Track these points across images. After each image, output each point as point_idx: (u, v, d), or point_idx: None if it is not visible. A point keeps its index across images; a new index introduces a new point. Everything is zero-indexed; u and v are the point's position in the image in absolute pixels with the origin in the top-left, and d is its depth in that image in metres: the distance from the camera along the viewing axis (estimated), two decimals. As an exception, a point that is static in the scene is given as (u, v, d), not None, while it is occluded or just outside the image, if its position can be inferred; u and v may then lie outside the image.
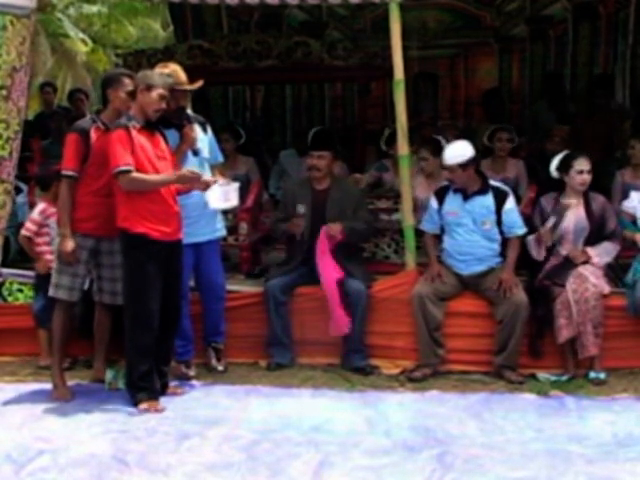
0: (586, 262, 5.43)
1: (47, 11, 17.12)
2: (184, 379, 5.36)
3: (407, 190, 5.70)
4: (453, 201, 5.64)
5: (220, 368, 5.56)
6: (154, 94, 4.80)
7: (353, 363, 5.57)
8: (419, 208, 5.92)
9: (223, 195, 5.19)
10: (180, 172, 4.89)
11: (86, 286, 5.25)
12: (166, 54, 7.44)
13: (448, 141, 6.25)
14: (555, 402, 4.97)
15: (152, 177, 4.78)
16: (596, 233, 5.50)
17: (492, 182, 5.70)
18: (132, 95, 4.90)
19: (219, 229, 5.55)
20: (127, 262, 4.86)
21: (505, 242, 5.61)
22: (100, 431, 4.49)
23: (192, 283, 5.51)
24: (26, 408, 4.89)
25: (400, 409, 4.85)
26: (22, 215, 6.59)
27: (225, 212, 5.78)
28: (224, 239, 5.83)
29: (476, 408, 4.85)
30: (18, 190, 6.62)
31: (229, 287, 5.73)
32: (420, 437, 4.38)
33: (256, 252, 6.60)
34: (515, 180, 6.77)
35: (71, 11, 19.31)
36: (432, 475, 3.91)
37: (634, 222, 5.61)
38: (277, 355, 5.66)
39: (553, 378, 5.33)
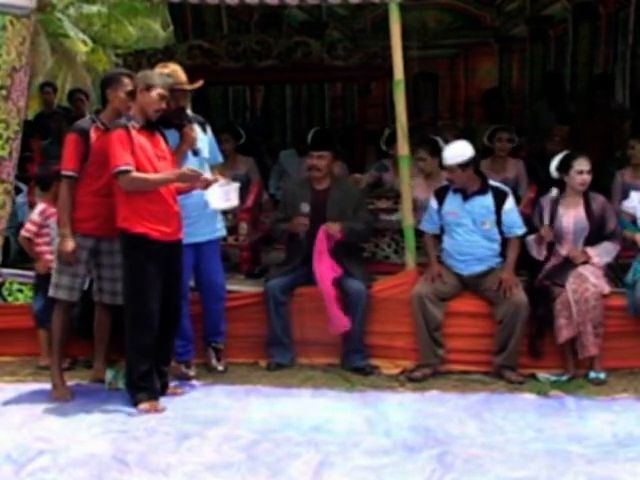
0: (586, 262, 5.43)
1: (47, 11, 17.12)
2: (184, 379, 5.36)
3: (407, 190, 5.70)
4: (453, 201, 5.64)
5: (220, 368, 5.56)
6: (154, 94, 4.80)
7: (353, 363, 5.57)
8: (418, 208, 5.92)
9: (223, 195, 5.19)
10: (180, 170, 4.89)
11: (86, 286, 5.25)
12: (166, 54, 7.44)
13: (448, 141, 6.25)
14: (555, 402, 4.97)
15: (152, 176, 4.78)
16: (596, 233, 5.50)
17: (492, 182, 5.70)
18: (131, 95, 4.90)
19: (219, 229, 5.55)
20: (127, 262, 4.86)
21: (505, 242, 5.61)
22: (100, 431, 4.49)
23: (192, 283, 5.51)
24: (26, 408, 4.89)
25: (400, 409, 4.85)
26: (22, 215, 6.59)
27: (225, 212, 5.78)
28: (224, 239, 5.83)
29: (476, 408, 4.85)
30: (18, 190, 6.62)
31: (229, 287, 5.73)
32: (420, 437, 4.38)
33: (256, 252, 6.60)
34: (515, 180, 6.77)
35: (71, 11, 19.32)
36: (432, 475, 3.91)
37: (634, 222, 5.62)
38: (277, 355, 5.66)
39: (553, 378, 5.33)
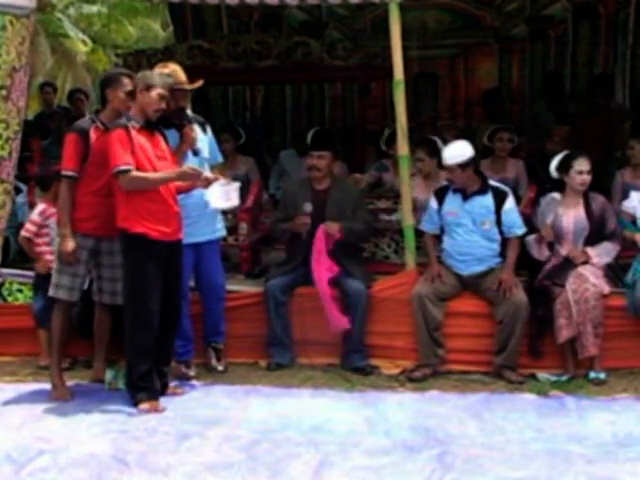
0: (586, 262, 5.43)
1: (47, 11, 17.12)
2: (184, 379, 5.36)
3: (407, 190, 5.70)
4: (453, 201, 5.64)
5: (220, 368, 5.56)
6: (154, 94, 4.80)
7: (353, 363, 5.57)
8: (418, 209, 5.91)
9: (224, 195, 5.19)
10: (181, 169, 4.89)
11: (86, 286, 5.25)
12: (166, 54, 7.44)
13: (446, 141, 6.25)
14: (555, 402, 4.97)
15: (153, 175, 4.78)
16: (596, 233, 5.50)
17: (491, 182, 5.70)
18: (131, 95, 4.90)
19: (219, 229, 5.55)
20: (127, 262, 4.86)
21: (505, 242, 5.61)
22: (100, 431, 4.49)
23: (192, 283, 5.51)
24: (26, 408, 4.89)
25: (400, 409, 4.85)
26: (22, 215, 6.59)
27: (225, 212, 5.78)
28: (224, 239, 5.83)
29: (476, 408, 4.85)
30: (18, 190, 6.62)
31: (229, 287, 5.73)
32: (420, 437, 4.38)
33: (256, 252, 6.60)
34: (515, 180, 6.77)
35: (71, 11, 19.31)
36: (432, 475, 3.91)
37: (634, 222, 5.62)
38: (277, 355, 5.66)
39: (553, 378, 5.33)
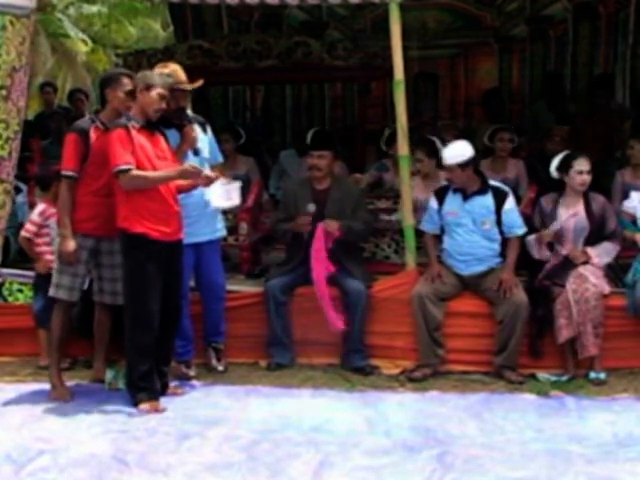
0: (586, 262, 5.43)
1: (47, 11, 17.12)
2: (184, 379, 5.35)
3: (407, 190, 5.70)
4: (453, 201, 5.64)
5: (220, 368, 5.56)
6: (154, 94, 4.80)
7: (353, 363, 5.57)
8: (417, 209, 5.91)
9: (225, 194, 5.20)
10: (182, 167, 4.89)
11: (86, 286, 5.25)
12: (166, 54, 7.44)
13: (445, 141, 6.25)
14: (555, 402, 4.97)
15: (153, 174, 4.78)
16: (596, 233, 5.50)
17: (492, 182, 5.70)
18: (131, 94, 4.90)
19: (219, 229, 5.55)
20: (127, 262, 4.86)
21: (505, 242, 5.61)
22: (100, 431, 4.49)
23: (192, 283, 5.50)
24: (26, 408, 4.89)
25: (400, 409, 4.85)
26: (22, 215, 6.59)
27: (225, 212, 5.79)
28: (224, 239, 5.83)
29: (476, 408, 4.85)
30: (18, 190, 6.62)
31: (229, 287, 5.73)
32: (420, 437, 4.38)
33: (256, 252, 6.60)
34: (515, 180, 6.76)
35: (71, 11, 19.31)
36: (432, 475, 3.91)
37: (634, 222, 5.62)
38: (277, 355, 5.66)
39: (553, 378, 5.33)
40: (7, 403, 4.99)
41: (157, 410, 4.77)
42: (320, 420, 4.62)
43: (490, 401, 4.98)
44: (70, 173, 4.99)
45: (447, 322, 5.52)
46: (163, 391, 5.00)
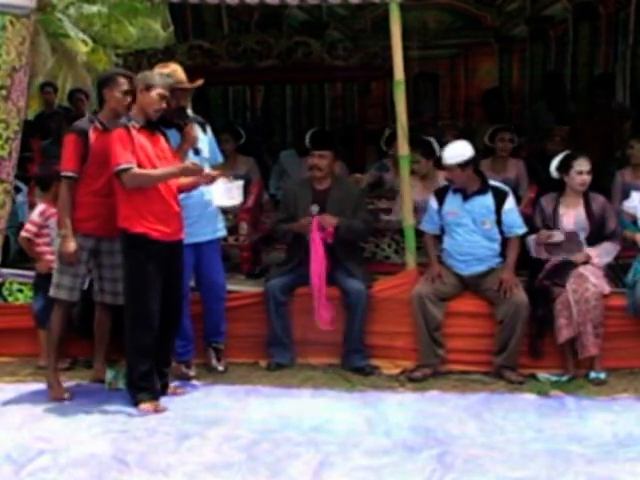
0: (586, 262, 5.42)
1: (47, 11, 17.12)
2: (184, 379, 5.35)
3: (407, 190, 5.70)
4: (453, 201, 5.64)
5: (220, 368, 5.56)
6: (154, 94, 4.81)
7: (353, 363, 5.57)
8: (416, 210, 5.90)
9: (227, 192, 5.22)
10: (183, 164, 4.89)
11: (86, 286, 5.25)
12: (166, 54, 7.45)
13: (445, 142, 6.25)
14: (555, 402, 4.96)
15: (155, 171, 4.78)
16: (596, 233, 5.50)
17: (492, 182, 5.70)
18: (128, 94, 4.91)
19: (220, 229, 5.55)
20: (127, 262, 4.86)
21: (505, 242, 5.61)
22: (100, 431, 4.49)
23: (192, 283, 5.50)
24: (26, 408, 4.89)
25: (400, 409, 4.85)
26: (22, 215, 6.59)
27: (225, 212, 5.79)
28: (224, 239, 5.83)
29: (476, 408, 4.85)
30: (18, 190, 6.62)
31: (229, 287, 5.73)
32: (420, 437, 4.38)
33: (256, 252, 6.60)
34: (515, 180, 6.77)
35: (71, 11, 19.31)
36: (432, 475, 3.91)
37: (634, 222, 5.62)
38: (277, 355, 5.66)
39: (553, 378, 5.33)
40: (7, 403, 4.99)
41: (157, 410, 4.77)
42: (320, 420, 4.62)
43: (490, 401, 4.98)
44: (70, 173, 4.99)
45: (447, 322, 5.52)
46: (163, 391, 5.00)
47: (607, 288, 5.38)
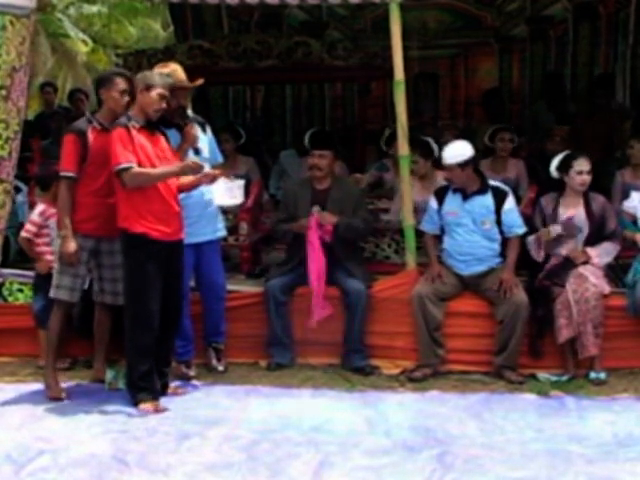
0: (586, 262, 5.43)
1: (47, 11, 17.11)
2: (184, 379, 5.35)
3: (407, 190, 5.70)
4: (453, 201, 5.64)
5: (220, 368, 5.56)
6: (154, 94, 4.81)
7: (353, 363, 5.57)
8: (416, 211, 5.90)
9: (228, 192, 5.23)
10: (184, 163, 4.90)
11: (86, 286, 5.25)
12: (166, 54, 7.45)
13: (445, 142, 6.24)
14: (555, 402, 4.97)
15: (155, 170, 4.78)
16: (596, 233, 5.50)
17: (491, 182, 5.70)
18: (125, 93, 4.91)
19: (220, 229, 5.55)
20: (127, 262, 4.86)
21: (505, 242, 5.61)
22: (100, 431, 4.49)
23: (192, 283, 5.50)
24: (26, 408, 4.89)
25: (400, 409, 4.85)
26: (22, 215, 6.59)
27: (225, 212, 5.79)
28: (224, 239, 5.83)
29: (476, 408, 4.85)
30: (18, 190, 6.62)
31: (229, 287, 5.73)
32: (420, 437, 4.38)
33: (256, 252, 6.59)
34: (515, 180, 6.77)
35: (71, 11, 19.30)
36: (432, 475, 3.91)
37: (634, 222, 5.62)
38: (277, 355, 5.66)
39: (553, 378, 5.33)
40: (7, 403, 4.99)
41: (157, 410, 4.77)
42: (320, 420, 4.62)
43: (490, 401, 4.98)
44: (69, 174, 4.99)
45: (447, 322, 5.52)
46: (163, 391, 5.00)
47: (607, 288, 5.38)
